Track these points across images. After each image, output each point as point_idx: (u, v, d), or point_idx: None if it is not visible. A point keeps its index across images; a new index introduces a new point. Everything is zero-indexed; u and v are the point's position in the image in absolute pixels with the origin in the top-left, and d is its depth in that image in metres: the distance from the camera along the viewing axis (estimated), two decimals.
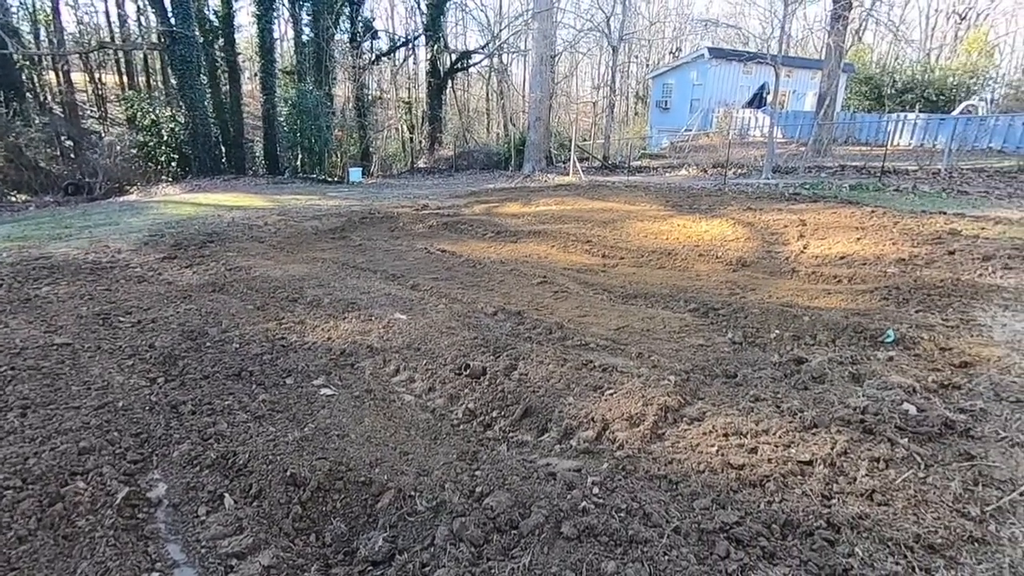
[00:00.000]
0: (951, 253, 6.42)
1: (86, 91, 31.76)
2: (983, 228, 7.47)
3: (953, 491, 2.42)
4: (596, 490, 2.52)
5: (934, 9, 40.29)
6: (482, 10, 33.67)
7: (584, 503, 2.39)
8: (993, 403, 3.14)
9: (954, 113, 21.93)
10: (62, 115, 26.50)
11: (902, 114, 22.39)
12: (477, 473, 2.69)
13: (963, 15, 38.73)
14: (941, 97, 25.75)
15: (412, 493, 2.55)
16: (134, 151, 20.47)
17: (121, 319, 4.90)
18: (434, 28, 26.79)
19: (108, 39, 29.45)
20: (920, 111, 21.74)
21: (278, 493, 2.57)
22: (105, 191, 18.48)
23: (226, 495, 2.57)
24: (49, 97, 27.82)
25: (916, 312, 4.76)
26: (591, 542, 2.20)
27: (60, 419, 3.04)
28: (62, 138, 23.57)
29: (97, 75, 31.55)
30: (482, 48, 29.97)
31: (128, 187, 19.10)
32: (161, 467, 2.77)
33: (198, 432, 3.04)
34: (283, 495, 2.56)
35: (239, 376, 3.78)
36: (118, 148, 21.00)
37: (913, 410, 3.00)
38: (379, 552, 2.29)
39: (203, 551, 2.27)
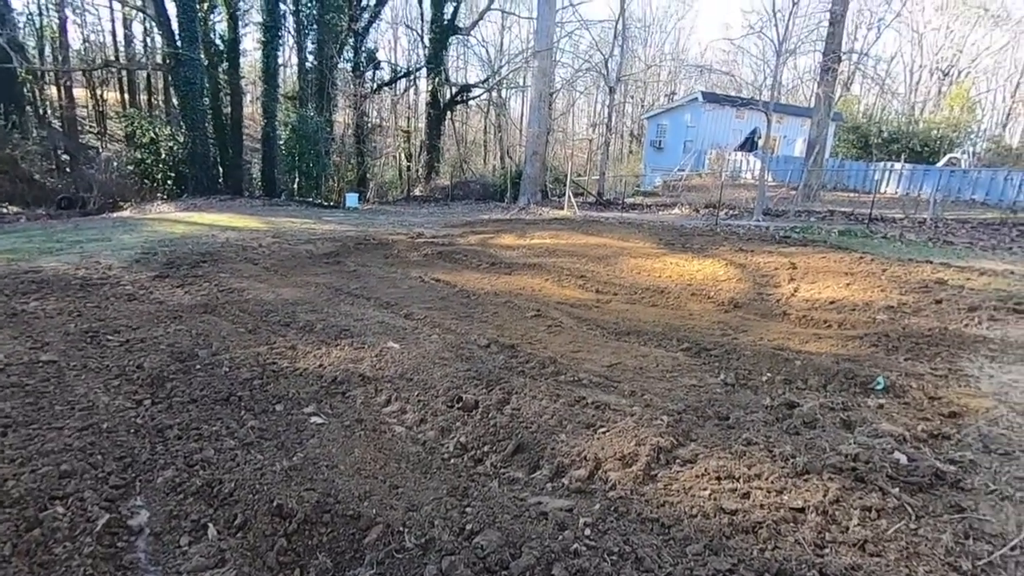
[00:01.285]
0: (938, 302, 6.53)
1: (87, 107, 31.98)
2: (968, 279, 7.62)
3: (945, 544, 2.42)
4: (588, 531, 2.49)
5: (918, 65, 41.90)
6: (483, 46, 34.54)
7: (576, 545, 2.36)
8: (982, 455, 3.16)
9: (939, 165, 22.61)
10: (61, 129, 26.59)
11: (889, 163, 23.03)
12: (468, 510, 2.65)
13: (946, 72, 40.32)
14: (926, 148, 26.58)
15: (401, 529, 2.50)
16: (131, 168, 20.51)
17: (109, 338, 4.83)
18: (436, 61, 27.40)
19: (113, 58, 29.79)
20: (905, 161, 22.38)
21: (263, 524, 2.51)
22: (99, 206, 18.42)
23: (210, 525, 2.51)
24: (49, 111, 27.96)
25: (905, 360, 4.81)
26: None
27: (42, 440, 2.97)
28: (59, 152, 23.60)
29: (99, 91, 31.83)
30: (482, 83, 30.63)
31: (122, 203, 19.06)
32: (144, 493, 2.70)
33: (184, 458, 2.98)
34: (269, 527, 2.50)
35: (228, 401, 3.73)
36: (115, 164, 21.05)
37: (904, 459, 3.02)
38: None
39: None
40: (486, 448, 3.31)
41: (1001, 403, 3.85)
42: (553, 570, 2.23)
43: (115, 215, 16.54)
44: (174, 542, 2.43)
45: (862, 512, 2.62)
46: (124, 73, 31.73)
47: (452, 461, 3.21)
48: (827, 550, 2.40)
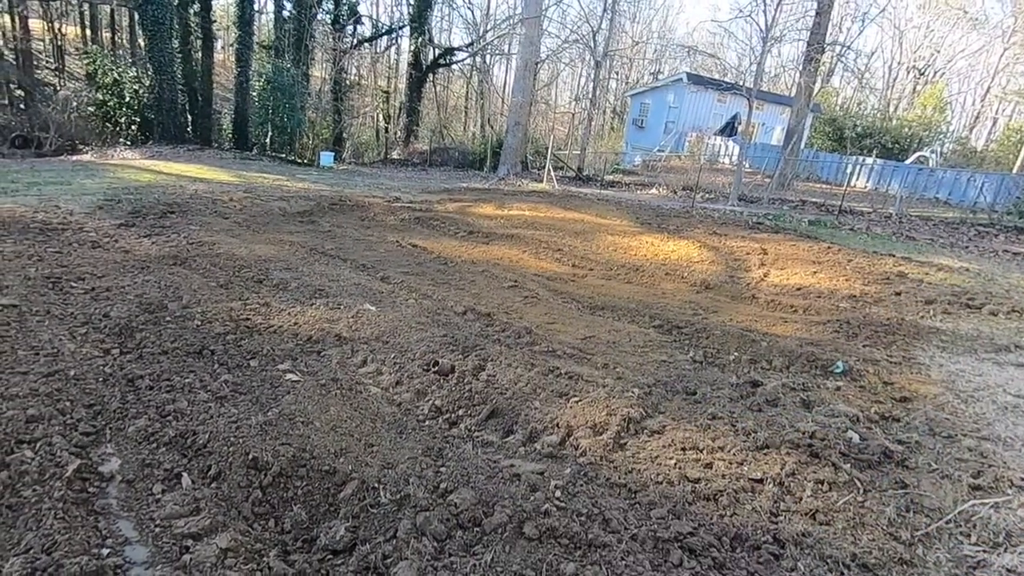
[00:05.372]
0: (898, 294, 6.82)
1: (43, 40, 30.04)
2: (927, 273, 7.96)
3: (888, 516, 2.59)
4: (558, 493, 2.58)
5: (897, 62, 42.61)
6: (469, 8, 33.58)
7: (546, 505, 2.45)
8: (927, 437, 3.37)
9: (907, 162, 23.25)
10: (14, 63, 24.94)
11: (861, 157, 23.55)
12: (442, 469, 2.71)
13: (922, 71, 41.13)
14: (896, 145, 27.24)
15: (376, 485, 2.55)
16: (91, 109, 19.44)
17: (73, 284, 4.68)
18: (420, 20, 26.57)
19: None
20: (877, 156, 22.94)
21: (238, 476, 2.52)
22: (56, 148, 17.52)
23: (184, 474, 2.51)
24: (1, 42, 26.13)
25: (864, 346, 5.04)
26: (552, 543, 2.26)
27: (6, 384, 2.89)
28: (12, 87, 22.18)
29: (56, 25, 29.86)
30: (467, 46, 29.90)
31: (82, 146, 18.15)
32: (115, 441, 2.68)
33: (156, 408, 2.95)
34: (244, 478, 2.52)
35: (200, 354, 3.68)
36: (74, 104, 19.94)
37: (856, 438, 3.19)
38: (340, 541, 2.28)
39: (157, 530, 2.21)
40: (461, 412, 3.37)
41: (948, 390, 4.09)
42: (524, 528, 2.31)
43: (74, 158, 15.77)
44: (147, 490, 2.43)
45: (815, 485, 2.78)
46: (86, 7, 29.80)
47: (427, 423, 3.26)
48: (781, 518, 2.55)
